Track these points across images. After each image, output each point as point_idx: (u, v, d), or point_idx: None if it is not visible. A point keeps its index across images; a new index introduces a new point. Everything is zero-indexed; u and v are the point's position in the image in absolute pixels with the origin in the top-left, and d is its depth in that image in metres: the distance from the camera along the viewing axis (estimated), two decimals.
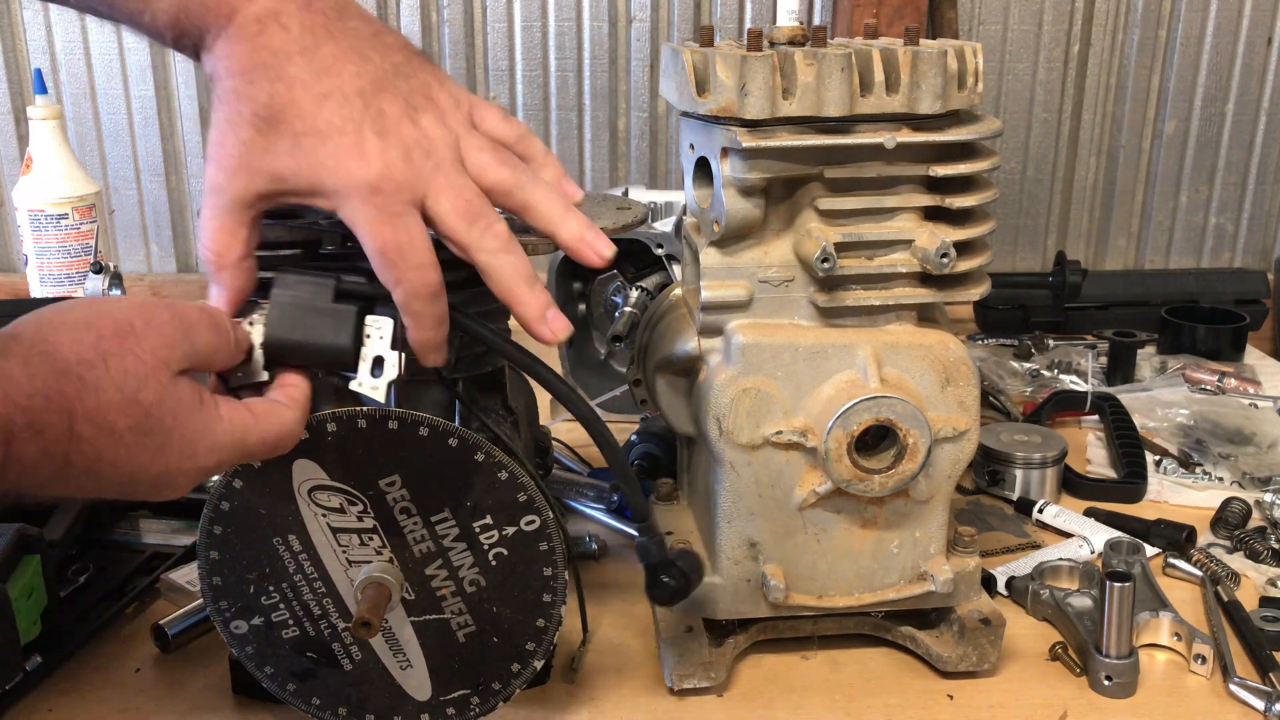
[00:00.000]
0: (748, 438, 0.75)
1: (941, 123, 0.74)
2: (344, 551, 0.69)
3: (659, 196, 1.33)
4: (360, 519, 0.68)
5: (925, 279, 0.76)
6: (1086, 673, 0.80)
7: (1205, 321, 1.45)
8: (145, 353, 0.54)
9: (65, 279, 1.44)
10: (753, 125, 0.71)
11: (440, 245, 0.64)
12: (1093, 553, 0.96)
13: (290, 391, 0.62)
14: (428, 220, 0.63)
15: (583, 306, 1.23)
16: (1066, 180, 1.69)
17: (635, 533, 0.73)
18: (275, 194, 0.62)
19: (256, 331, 0.63)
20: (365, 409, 0.66)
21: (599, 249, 0.67)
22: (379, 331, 0.64)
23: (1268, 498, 1.04)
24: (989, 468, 1.08)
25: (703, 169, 0.78)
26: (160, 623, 0.82)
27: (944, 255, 0.73)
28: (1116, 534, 0.98)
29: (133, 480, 0.55)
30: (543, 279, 1.03)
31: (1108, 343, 1.38)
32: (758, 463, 0.75)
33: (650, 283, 1.13)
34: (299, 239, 0.80)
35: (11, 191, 1.46)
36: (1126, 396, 1.26)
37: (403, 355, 0.65)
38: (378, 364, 0.64)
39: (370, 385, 0.64)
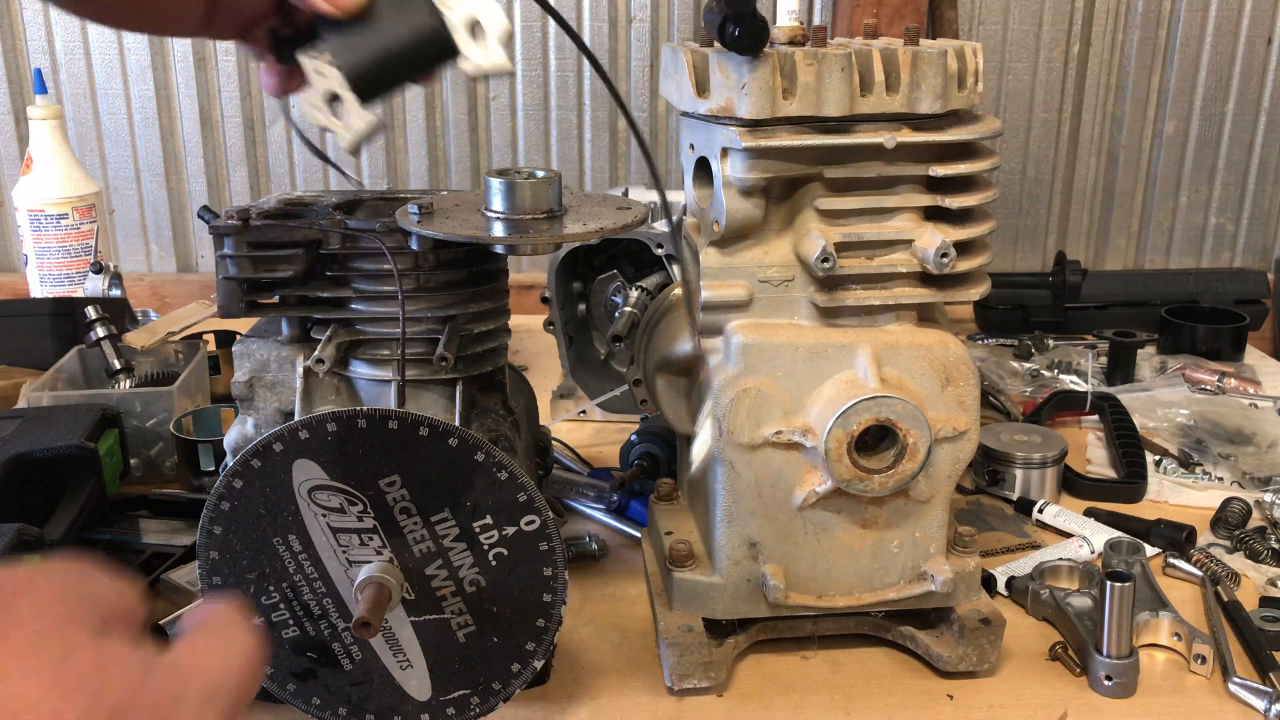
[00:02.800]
0: (748, 438, 0.75)
1: (941, 123, 0.74)
2: (344, 551, 0.69)
3: (655, 196, 1.33)
4: (360, 519, 0.68)
5: (925, 279, 0.76)
6: (1086, 672, 0.80)
7: (1205, 321, 1.45)
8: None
9: (65, 279, 1.44)
10: (753, 125, 0.71)
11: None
12: (1093, 553, 0.96)
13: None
14: None
15: (583, 306, 1.23)
16: (1066, 180, 1.69)
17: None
18: None
19: (332, 74, 0.54)
20: (364, 410, 0.66)
21: None
22: None
23: (1268, 498, 1.04)
24: (989, 468, 1.08)
25: (703, 169, 0.78)
26: (160, 623, 0.82)
27: (944, 255, 0.73)
28: (1116, 534, 0.98)
29: None
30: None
31: (1108, 343, 1.38)
32: (758, 463, 0.75)
33: (650, 283, 1.13)
34: (299, 239, 0.80)
35: (11, 191, 1.47)
36: (1126, 396, 1.26)
37: (497, 3, 0.56)
38: (475, 29, 0.55)
39: (482, 56, 0.55)
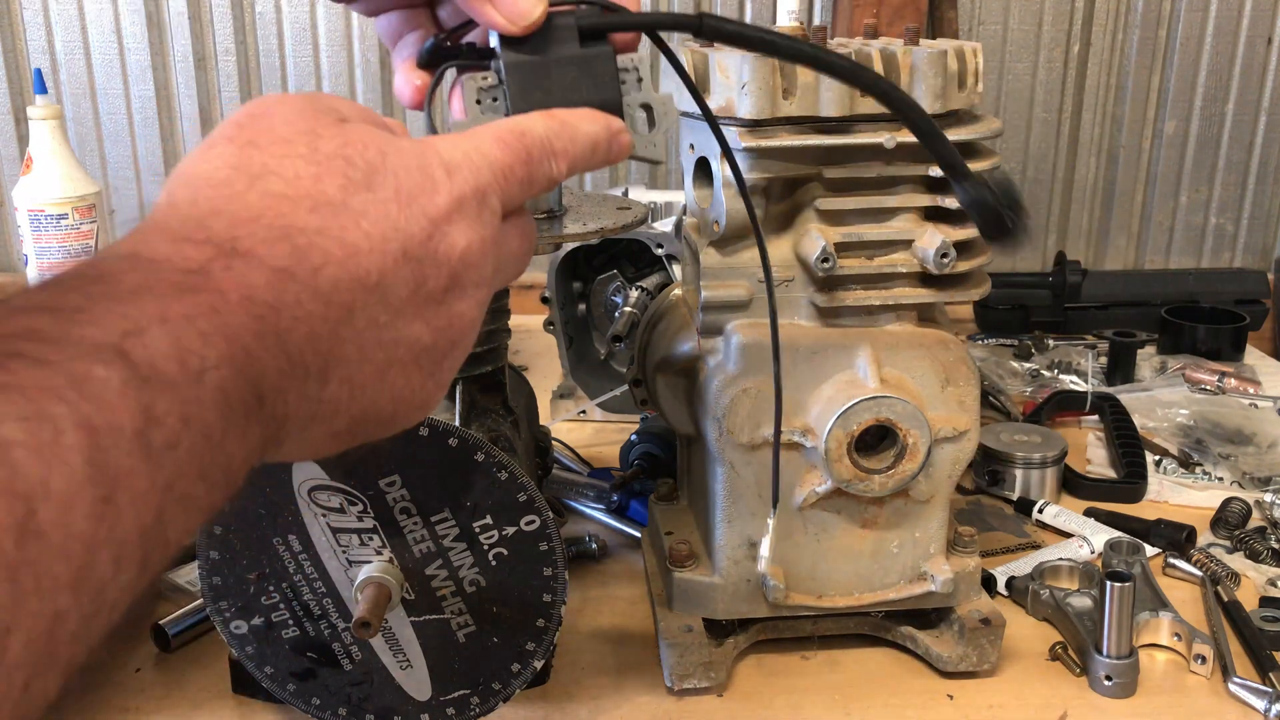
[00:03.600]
0: (748, 438, 0.75)
1: (941, 123, 0.73)
2: (344, 551, 0.69)
3: (659, 196, 1.33)
4: (360, 519, 0.68)
5: (925, 279, 0.76)
6: (1086, 673, 0.80)
7: (1205, 321, 1.45)
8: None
9: None
10: (752, 125, 0.71)
11: None
12: (1093, 553, 0.96)
13: None
14: None
15: (583, 306, 1.23)
16: (1066, 180, 1.69)
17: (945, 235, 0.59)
18: None
19: (489, 109, 0.51)
20: None
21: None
22: (636, 73, 0.53)
23: (1268, 498, 1.04)
24: (989, 468, 1.08)
25: (703, 169, 0.78)
26: (160, 623, 0.82)
27: (944, 255, 0.73)
28: (1116, 534, 0.98)
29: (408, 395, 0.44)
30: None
31: (1108, 343, 1.38)
32: (758, 463, 0.75)
33: (650, 283, 1.13)
34: None
35: (11, 191, 1.46)
36: (1126, 396, 1.26)
37: (671, 94, 0.54)
38: (647, 114, 0.53)
39: (642, 143, 0.53)
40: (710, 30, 0.52)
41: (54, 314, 0.32)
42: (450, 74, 0.55)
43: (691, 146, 0.79)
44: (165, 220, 0.39)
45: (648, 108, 0.53)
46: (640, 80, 0.52)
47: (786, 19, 0.76)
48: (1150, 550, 0.96)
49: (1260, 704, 0.77)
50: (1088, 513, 1.04)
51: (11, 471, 0.28)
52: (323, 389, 0.39)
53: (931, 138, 0.56)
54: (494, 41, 0.51)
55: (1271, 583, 0.92)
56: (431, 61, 0.53)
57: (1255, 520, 1.02)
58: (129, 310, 0.33)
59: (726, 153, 0.59)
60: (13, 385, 0.29)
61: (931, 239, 0.73)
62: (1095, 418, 1.25)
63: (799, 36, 0.75)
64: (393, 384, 0.42)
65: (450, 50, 0.53)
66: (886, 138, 0.71)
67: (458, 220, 0.43)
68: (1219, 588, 0.90)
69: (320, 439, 0.41)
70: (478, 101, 0.50)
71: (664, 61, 0.80)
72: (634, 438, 1.05)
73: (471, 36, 0.55)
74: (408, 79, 0.55)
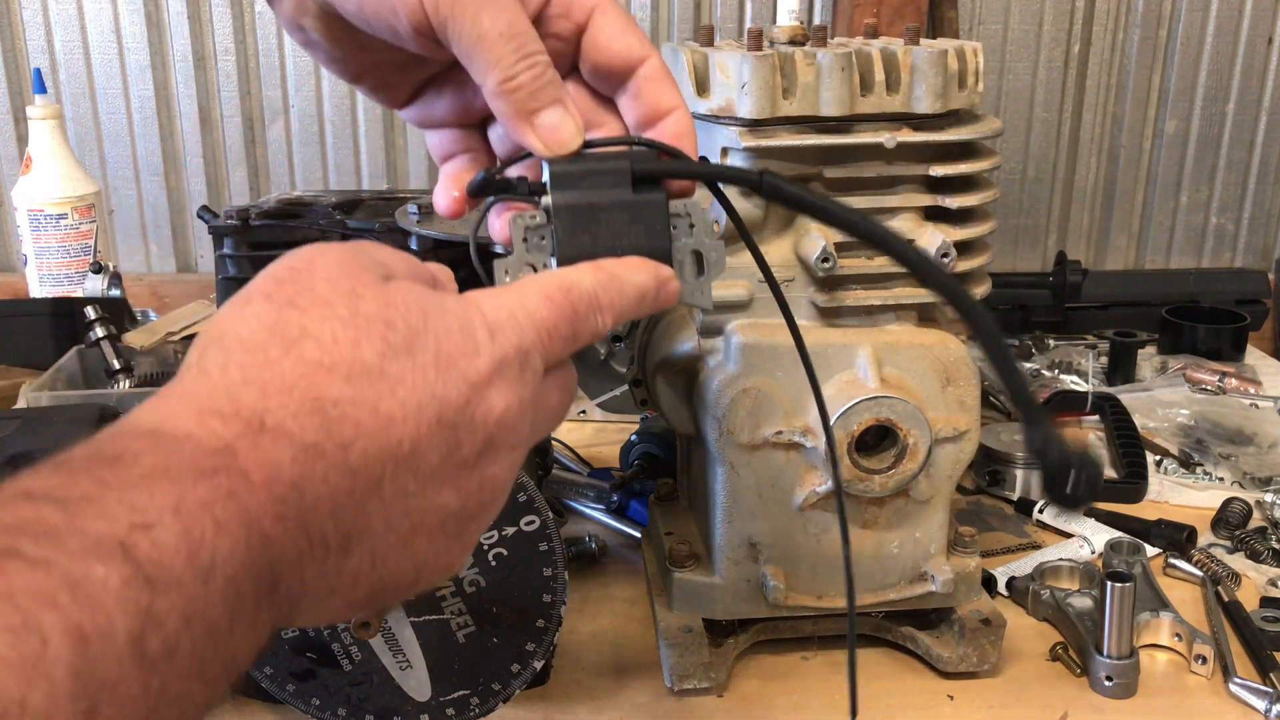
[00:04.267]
0: (748, 438, 0.75)
1: (942, 122, 0.73)
2: None
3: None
4: None
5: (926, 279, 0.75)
6: (1087, 673, 0.80)
7: (1206, 321, 1.45)
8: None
9: (65, 279, 1.44)
10: (753, 125, 0.71)
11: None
12: (1093, 553, 0.96)
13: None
14: None
15: None
16: (1067, 180, 1.69)
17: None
18: None
19: (540, 249, 0.50)
20: None
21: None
22: (689, 219, 0.52)
23: (1268, 498, 1.04)
24: (989, 468, 1.08)
25: None
26: None
27: (944, 255, 0.73)
28: (1117, 534, 0.98)
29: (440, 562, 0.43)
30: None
31: (1108, 343, 1.38)
32: (757, 463, 0.75)
33: None
34: (299, 239, 0.80)
35: (11, 191, 1.47)
36: (1127, 396, 1.25)
37: (722, 242, 0.53)
38: (696, 260, 0.52)
39: (690, 290, 0.52)
40: (770, 189, 0.52)
41: (61, 504, 0.31)
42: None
43: None
44: (194, 389, 0.38)
45: (698, 254, 0.52)
46: (692, 226, 0.51)
47: (787, 18, 0.76)
48: (1151, 550, 0.96)
49: (1261, 704, 0.77)
50: (1088, 513, 1.03)
51: None
52: (344, 562, 0.38)
53: (1007, 369, 0.53)
54: (545, 177, 0.51)
55: (1272, 583, 0.92)
56: (481, 192, 0.52)
57: (1256, 520, 1.02)
58: (140, 499, 0.32)
59: (732, 215, 0.57)
60: (7, 591, 0.28)
61: (932, 239, 0.73)
62: (1096, 418, 1.25)
63: (798, 37, 0.75)
64: (416, 551, 0.41)
65: (500, 183, 0.52)
66: (887, 137, 0.71)
67: (498, 383, 0.42)
68: (1219, 588, 0.90)
69: (336, 608, 0.40)
70: (524, 239, 0.49)
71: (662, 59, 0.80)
72: (634, 438, 1.05)
73: (521, 170, 0.54)
74: (447, 188, 0.55)
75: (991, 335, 0.52)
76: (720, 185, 0.56)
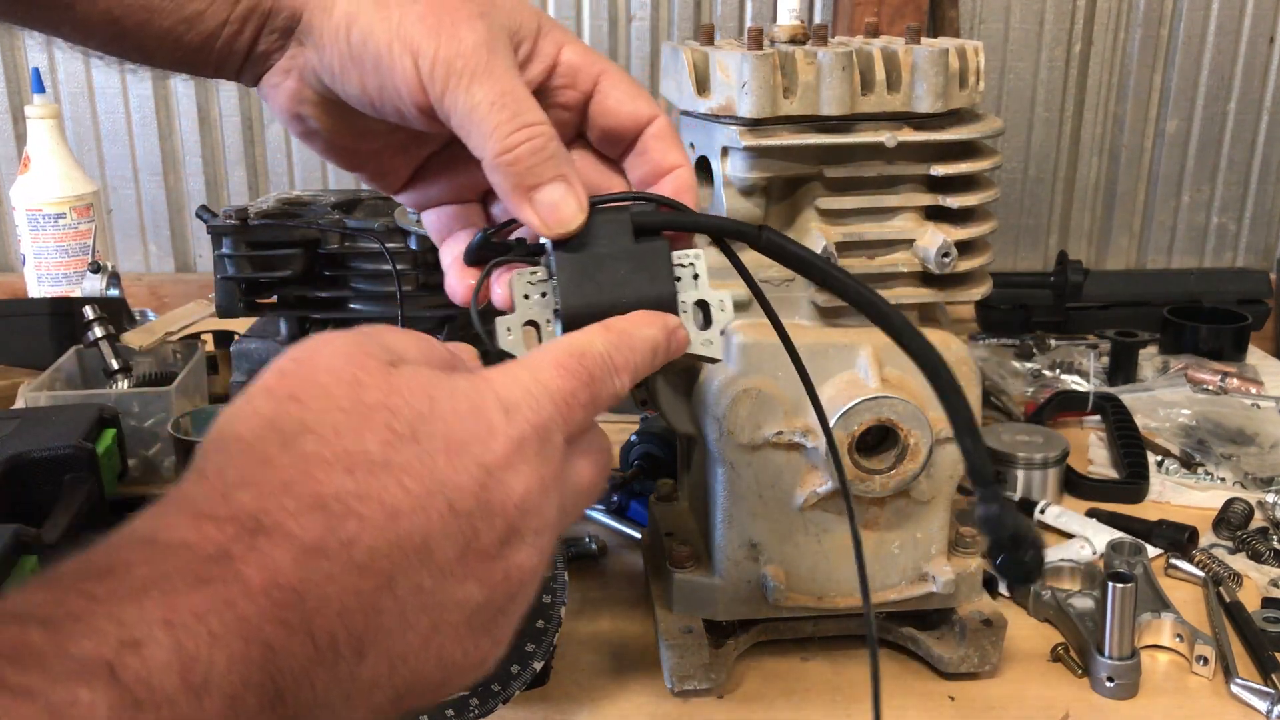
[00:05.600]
0: (748, 438, 0.74)
1: (942, 122, 0.73)
2: None
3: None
4: None
5: (926, 279, 0.75)
6: (1088, 674, 0.80)
7: (1207, 321, 1.45)
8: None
9: (63, 279, 1.43)
10: (753, 124, 0.71)
11: None
12: (1094, 553, 0.96)
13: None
14: None
15: None
16: (1068, 180, 1.69)
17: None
18: None
19: (540, 303, 0.49)
20: None
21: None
22: (693, 268, 0.51)
23: (1270, 498, 1.04)
24: (1001, 480, 1.07)
25: (703, 168, 0.78)
26: None
27: (945, 255, 0.72)
28: (1118, 534, 0.98)
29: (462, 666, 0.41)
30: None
31: (1109, 343, 1.38)
32: (758, 463, 0.75)
33: None
34: (298, 239, 0.80)
35: (9, 191, 1.46)
36: (1128, 396, 1.25)
37: (729, 293, 0.52)
38: (702, 311, 0.52)
39: (703, 341, 0.51)
40: (768, 245, 0.51)
41: (47, 626, 0.30)
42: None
43: (692, 145, 0.79)
44: (191, 493, 0.36)
45: (704, 305, 0.51)
46: (696, 277, 0.51)
47: (787, 17, 0.76)
48: (1152, 551, 0.95)
49: (1262, 705, 0.76)
50: (1089, 513, 1.03)
51: None
52: (358, 666, 0.36)
53: (972, 442, 0.52)
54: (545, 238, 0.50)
55: (1274, 583, 0.92)
56: (480, 258, 0.51)
57: (1257, 521, 1.02)
58: (130, 614, 0.31)
59: (737, 265, 0.56)
60: None
61: (933, 238, 0.73)
62: (1097, 418, 1.25)
63: (799, 36, 0.74)
64: (441, 650, 0.39)
65: (498, 246, 0.51)
66: (887, 136, 0.71)
67: (516, 464, 0.40)
68: (1221, 588, 0.89)
69: (361, 715, 0.38)
70: (525, 296, 0.49)
71: (664, 61, 0.79)
72: (634, 438, 1.05)
73: (521, 232, 0.53)
74: (460, 278, 0.53)
75: (959, 409, 0.51)
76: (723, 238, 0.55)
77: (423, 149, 0.56)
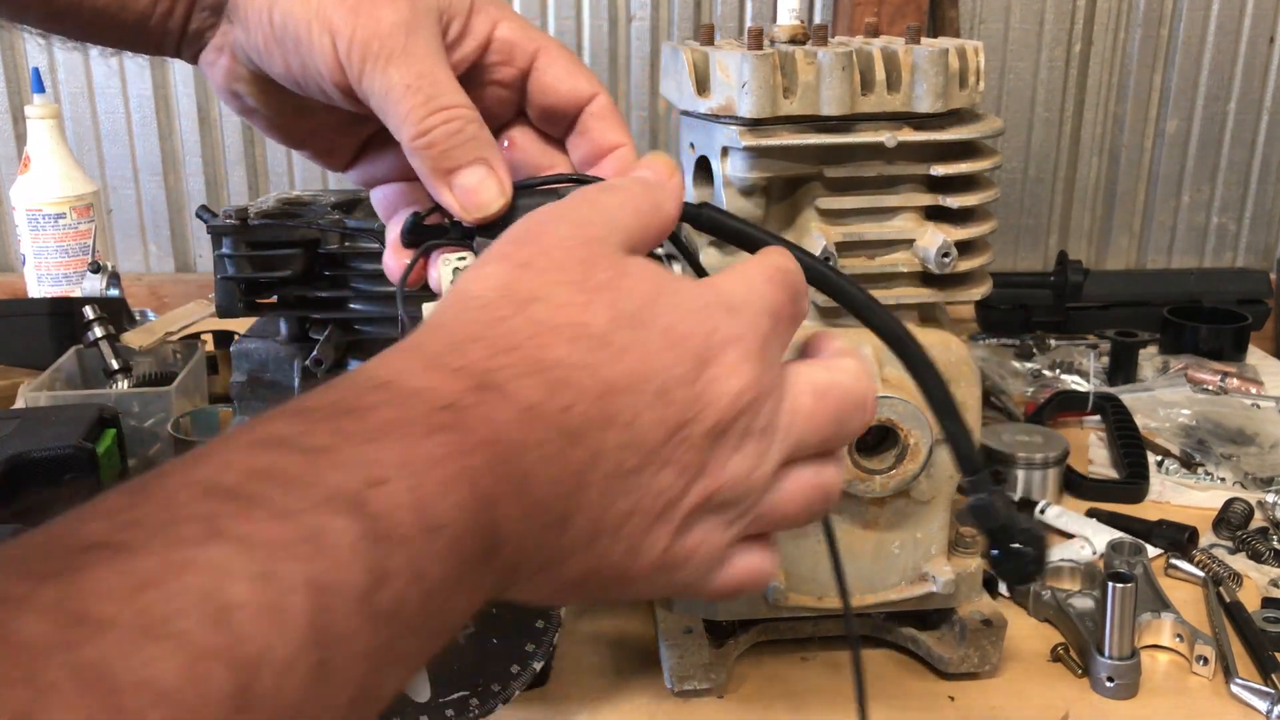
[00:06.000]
0: None
1: (942, 122, 0.73)
2: None
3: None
4: None
5: (926, 279, 0.75)
6: (1088, 674, 0.80)
7: (1207, 321, 1.45)
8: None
9: (63, 279, 1.43)
10: (753, 124, 0.71)
11: None
12: (1094, 553, 0.96)
13: None
14: None
15: None
16: (1068, 180, 1.69)
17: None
18: None
19: None
20: None
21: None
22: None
23: (1270, 498, 1.04)
24: (991, 468, 1.07)
25: (703, 168, 0.78)
26: None
27: (945, 255, 0.72)
28: (1118, 534, 0.98)
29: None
30: None
31: (1109, 343, 1.38)
32: None
33: None
34: (298, 238, 0.80)
35: (9, 191, 1.46)
36: (1128, 396, 1.25)
37: None
38: None
39: None
40: (708, 221, 0.51)
41: (303, 454, 0.31)
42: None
43: (692, 146, 0.79)
44: (426, 341, 0.37)
45: None
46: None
47: (787, 17, 0.76)
48: (1152, 551, 0.95)
49: (1262, 705, 0.76)
50: (1089, 513, 1.03)
51: (236, 638, 0.27)
52: (560, 535, 0.37)
53: (948, 415, 0.51)
54: None
55: (1274, 583, 0.92)
56: (413, 240, 0.51)
57: (1257, 521, 1.02)
58: (373, 454, 0.32)
59: (679, 246, 0.55)
60: (251, 539, 0.28)
61: (933, 238, 0.73)
62: (1097, 418, 1.25)
63: (799, 36, 0.74)
64: (632, 536, 0.39)
65: (432, 229, 0.51)
66: (887, 136, 0.71)
67: (735, 363, 0.40)
68: (1221, 589, 0.89)
69: (548, 587, 0.39)
70: (453, 283, 0.48)
71: (664, 61, 0.79)
72: None
73: None
74: (397, 258, 0.52)
75: (933, 385, 0.50)
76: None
77: (365, 126, 0.55)
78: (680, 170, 0.51)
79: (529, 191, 0.50)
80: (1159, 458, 1.14)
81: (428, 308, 0.49)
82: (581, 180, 0.51)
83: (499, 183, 0.48)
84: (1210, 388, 1.31)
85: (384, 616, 0.30)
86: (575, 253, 0.40)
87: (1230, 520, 1.01)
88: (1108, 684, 0.78)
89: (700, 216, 0.51)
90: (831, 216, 0.74)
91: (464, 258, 0.49)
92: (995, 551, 0.51)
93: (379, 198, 0.57)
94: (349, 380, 0.35)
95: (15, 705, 0.24)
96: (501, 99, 0.53)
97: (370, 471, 0.31)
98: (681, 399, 0.39)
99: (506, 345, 0.37)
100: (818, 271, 0.51)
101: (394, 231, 0.53)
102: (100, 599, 0.26)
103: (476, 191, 0.48)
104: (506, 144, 0.54)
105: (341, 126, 0.55)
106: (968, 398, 0.75)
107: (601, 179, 0.51)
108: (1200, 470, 1.12)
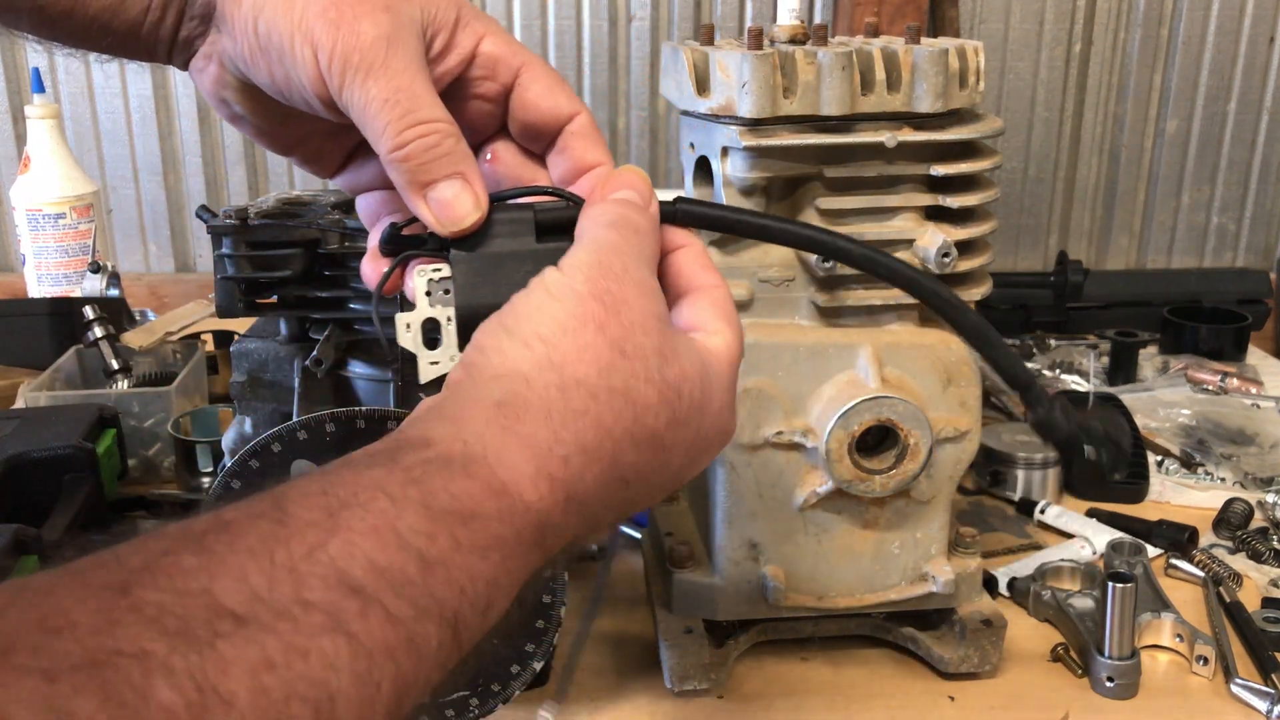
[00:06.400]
0: (748, 438, 0.74)
1: (942, 122, 0.73)
2: None
3: (659, 196, 1.32)
4: None
5: None
6: (1088, 674, 0.80)
7: (1207, 321, 1.45)
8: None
9: (63, 278, 1.43)
10: (753, 124, 0.71)
11: None
12: (1094, 553, 0.96)
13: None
14: None
15: None
16: (1068, 180, 1.69)
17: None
18: None
19: (442, 301, 0.49)
20: (363, 410, 0.66)
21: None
22: None
23: (1270, 498, 1.04)
24: (990, 468, 1.07)
25: (703, 168, 0.78)
26: None
27: (945, 255, 0.72)
28: (1118, 534, 0.98)
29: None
30: None
31: (1109, 343, 1.38)
32: (758, 463, 0.75)
33: None
34: (298, 238, 0.80)
35: (9, 191, 1.46)
36: (1128, 397, 1.25)
37: None
38: None
39: None
40: (686, 216, 0.52)
41: (421, 563, 0.36)
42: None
43: (692, 146, 0.79)
44: (539, 432, 0.41)
45: None
46: None
47: (787, 17, 0.76)
48: (1152, 551, 0.95)
49: (1262, 705, 0.76)
50: (1089, 513, 1.03)
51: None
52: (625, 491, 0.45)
53: (993, 347, 0.53)
54: None
55: (1273, 583, 0.92)
56: (391, 250, 0.51)
57: (1257, 521, 1.02)
58: (478, 568, 0.38)
59: None
60: (362, 639, 0.33)
61: (933, 238, 0.73)
62: None
63: (799, 35, 0.74)
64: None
65: (409, 239, 0.50)
66: (887, 136, 0.71)
67: (720, 409, 0.49)
68: (1221, 588, 0.89)
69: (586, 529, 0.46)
70: (428, 293, 0.48)
71: (664, 61, 0.79)
72: None
73: None
74: (375, 267, 0.53)
75: (963, 316, 0.54)
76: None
77: (352, 134, 0.54)
78: (649, 184, 0.52)
79: (504, 205, 0.50)
80: (1159, 458, 1.14)
81: (400, 319, 0.49)
82: (557, 195, 0.51)
83: (474, 197, 0.49)
84: (1210, 388, 1.31)
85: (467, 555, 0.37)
86: (653, 338, 0.44)
87: (1230, 520, 1.01)
88: (1108, 684, 0.78)
89: (677, 214, 0.51)
90: (831, 216, 0.74)
91: (439, 269, 0.49)
92: (1071, 459, 0.53)
93: (363, 205, 0.58)
94: (477, 462, 0.39)
95: None
96: (485, 113, 0.53)
97: (467, 589, 0.37)
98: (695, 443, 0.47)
99: (597, 454, 0.42)
100: (803, 235, 0.51)
101: (375, 239, 0.53)
102: (226, 674, 0.29)
103: (452, 205, 0.49)
104: (489, 157, 0.55)
105: (329, 134, 0.55)
106: (968, 398, 0.75)
107: (579, 196, 0.51)
108: (1200, 470, 1.12)
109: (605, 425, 0.42)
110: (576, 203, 0.51)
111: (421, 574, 0.35)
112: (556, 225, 0.50)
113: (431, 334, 0.49)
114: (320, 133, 0.55)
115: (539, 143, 0.54)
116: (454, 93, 0.52)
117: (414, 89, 0.48)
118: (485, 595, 0.37)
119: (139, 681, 0.27)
